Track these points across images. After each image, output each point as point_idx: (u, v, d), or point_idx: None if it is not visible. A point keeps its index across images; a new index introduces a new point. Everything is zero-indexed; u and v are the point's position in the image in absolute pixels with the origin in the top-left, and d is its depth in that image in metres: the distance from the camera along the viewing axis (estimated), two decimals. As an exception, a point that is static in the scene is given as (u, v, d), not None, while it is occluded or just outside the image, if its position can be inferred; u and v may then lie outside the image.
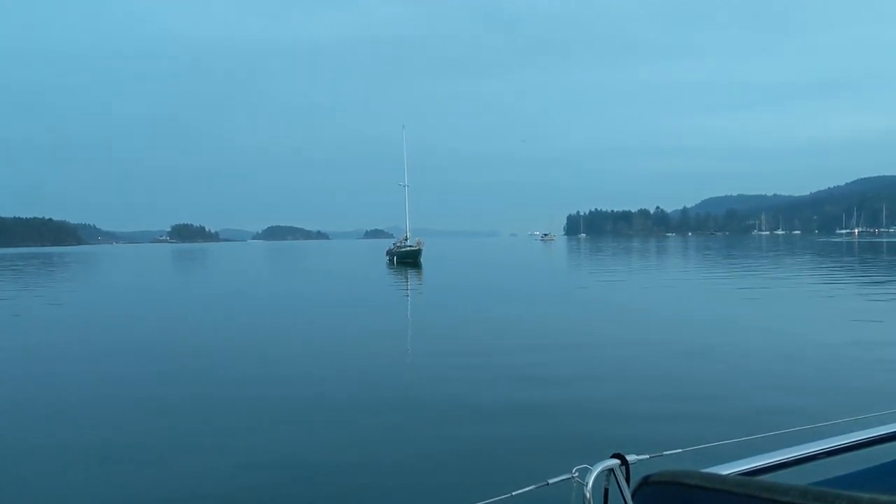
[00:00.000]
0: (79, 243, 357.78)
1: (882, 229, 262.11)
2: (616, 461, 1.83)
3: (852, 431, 2.09)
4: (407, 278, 37.92)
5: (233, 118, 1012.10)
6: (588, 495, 1.76)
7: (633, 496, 1.60)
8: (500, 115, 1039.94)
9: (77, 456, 7.10)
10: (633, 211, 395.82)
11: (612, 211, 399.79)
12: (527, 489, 1.96)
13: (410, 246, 59.71)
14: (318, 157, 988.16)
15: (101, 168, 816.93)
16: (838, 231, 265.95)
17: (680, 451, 2.23)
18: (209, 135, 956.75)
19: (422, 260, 56.03)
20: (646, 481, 1.50)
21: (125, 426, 8.17)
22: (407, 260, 56.57)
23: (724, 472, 1.69)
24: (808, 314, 18.22)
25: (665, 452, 2.15)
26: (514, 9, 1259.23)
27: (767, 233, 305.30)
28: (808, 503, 1.12)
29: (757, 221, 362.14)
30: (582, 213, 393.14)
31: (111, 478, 6.43)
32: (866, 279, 30.58)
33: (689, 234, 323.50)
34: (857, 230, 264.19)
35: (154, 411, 8.81)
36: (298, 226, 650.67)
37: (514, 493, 1.98)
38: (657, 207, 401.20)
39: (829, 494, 1.11)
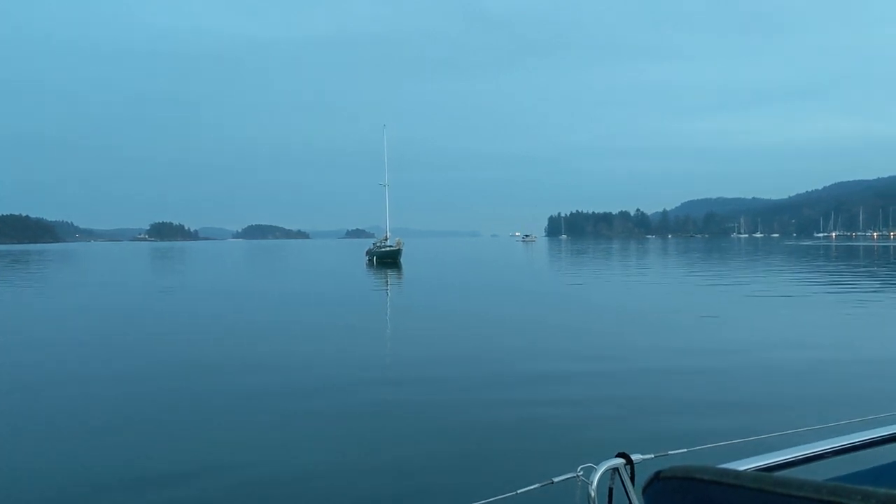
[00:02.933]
0: (56, 241, 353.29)
1: (859, 233, 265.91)
2: (621, 460, 1.80)
3: (860, 431, 2.05)
4: (387, 279, 37.54)
5: (215, 116, 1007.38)
6: (593, 494, 1.75)
7: (643, 492, 1.56)
8: (486, 115, 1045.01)
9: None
10: (613, 213, 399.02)
11: (593, 212, 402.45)
12: (532, 487, 1.96)
13: (390, 246, 59.54)
14: (300, 155, 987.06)
15: (79, 165, 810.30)
16: (816, 235, 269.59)
17: (685, 450, 2.21)
18: (190, 133, 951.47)
19: (401, 260, 55.71)
20: (657, 476, 1.48)
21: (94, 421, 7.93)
22: (387, 260, 56.36)
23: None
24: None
25: (670, 452, 2.13)
26: (501, 9, 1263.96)
27: (746, 235, 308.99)
28: (822, 498, 1.11)
29: (736, 224, 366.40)
30: (563, 215, 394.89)
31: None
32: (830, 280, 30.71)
33: (669, 236, 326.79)
34: (834, 234, 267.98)
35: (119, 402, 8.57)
36: (279, 225, 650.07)
37: (518, 492, 1.98)
38: (637, 209, 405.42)
39: (843, 489, 1.10)
